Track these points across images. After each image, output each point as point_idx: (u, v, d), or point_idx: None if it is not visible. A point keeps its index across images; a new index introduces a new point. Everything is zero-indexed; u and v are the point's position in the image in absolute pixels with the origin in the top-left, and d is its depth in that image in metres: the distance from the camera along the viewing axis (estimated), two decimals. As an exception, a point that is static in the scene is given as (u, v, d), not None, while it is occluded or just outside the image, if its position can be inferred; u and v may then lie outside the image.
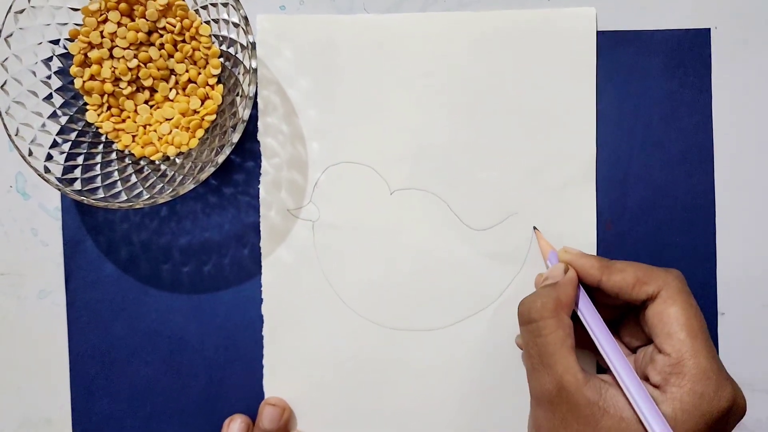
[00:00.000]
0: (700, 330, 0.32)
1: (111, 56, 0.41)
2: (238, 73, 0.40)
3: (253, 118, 0.42)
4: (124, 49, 0.40)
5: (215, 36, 0.41)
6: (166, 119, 0.41)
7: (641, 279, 0.34)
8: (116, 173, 0.41)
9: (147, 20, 0.40)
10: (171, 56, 0.41)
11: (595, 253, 0.42)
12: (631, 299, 0.35)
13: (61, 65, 0.41)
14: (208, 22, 0.41)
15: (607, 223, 0.42)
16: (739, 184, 0.42)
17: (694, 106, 0.42)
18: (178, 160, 0.41)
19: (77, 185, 0.40)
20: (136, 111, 0.41)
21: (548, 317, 0.34)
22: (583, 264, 0.36)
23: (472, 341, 0.42)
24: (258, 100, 0.42)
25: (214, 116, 0.40)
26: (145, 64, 0.41)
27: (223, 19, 0.40)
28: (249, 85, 0.38)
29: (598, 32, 0.42)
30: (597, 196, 0.42)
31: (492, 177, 0.42)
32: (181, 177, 0.40)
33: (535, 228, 0.41)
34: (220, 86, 0.40)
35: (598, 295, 0.37)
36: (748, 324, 0.42)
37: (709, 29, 0.42)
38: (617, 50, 0.42)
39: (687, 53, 0.42)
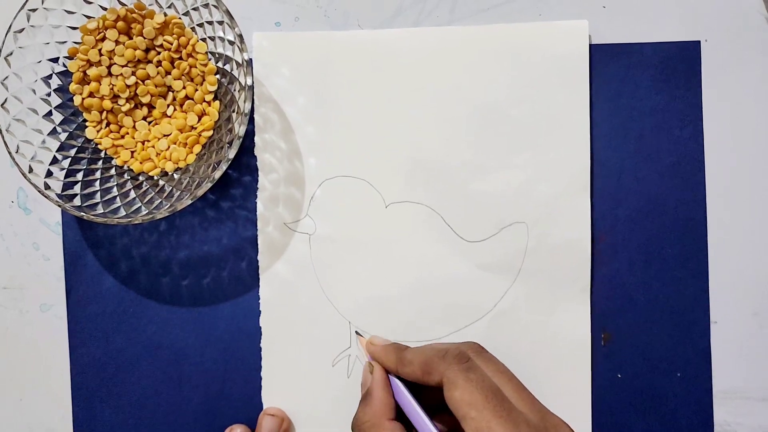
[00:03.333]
0: (487, 400, 0.32)
1: (109, 73, 0.41)
2: (234, 90, 0.41)
3: (250, 133, 0.43)
4: (122, 66, 0.41)
5: (211, 53, 0.41)
6: (164, 135, 0.42)
7: (425, 369, 0.35)
8: (115, 189, 0.42)
9: (144, 38, 0.41)
10: (168, 73, 0.41)
11: (589, 265, 0.42)
12: (430, 386, 0.35)
13: (60, 83, 0.42)
14: (204, 40, 0.41)
15: (600, 236, 0.43)
16: (731, 194, 0.43)
17: (686, 118, 0.43)
18: (176, 176, 0.42)
19: (77, 201, 0.40)
20: (134, 127, 0.42)
21: None
22: (382, 358, 0.38)
23: (467, 351, 0.42)
24: (256, 116, 0.43)
25: (211, 132, 0.41)
26: (143, 81, 0.41)
27: (219, 37, 0.40)
28: (245, 101, 0.39)
29: (590, 45, 0.42)
30: (591, 208, 0.42)
31: (486, 189, 0.43)
32: (179, 192, 0.41)
33: (357, 332, 0.42)
34: (217, 102, 0.41)
35: None
36: (740, 332, 0.42)
37: (699, 42, 0.43)
38: (609, 63, 0.43)
39: (678, 66, 0.43)
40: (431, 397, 0.36)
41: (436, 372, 0.34)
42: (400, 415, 0.36)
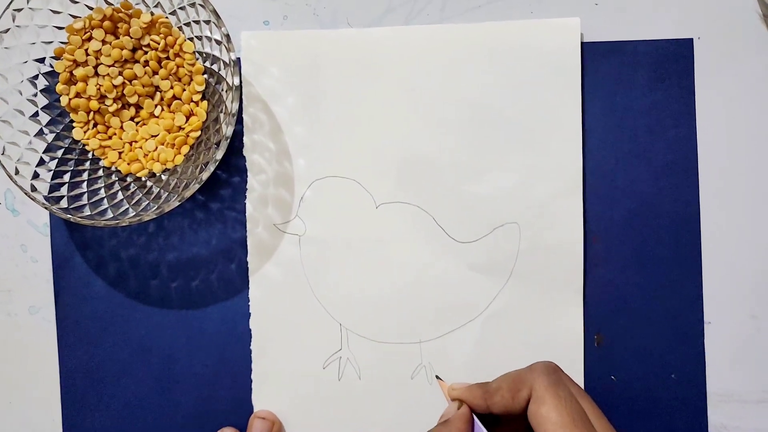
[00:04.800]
0: (574, 423, 0.31)
1: (96, 74, 0.41)
2: (222, 90, 0.40)
3: (238, 134, 0.43)
4: (109, 66, 0.41)
5: (199, 53, 0.41)
6: (152, 136, 0.41)
7: (514, 388, 0.33)
8: (102, 190, 0.41)
9: (131, 38, 0.40)
10: (155, 73, 0.41)
11: (582, 266, 0.42)
12: (519, 412, 0.34)
13: (46, 83, 0.41)
14: (191, 39, 0.41)
15: (593, 237, 0.42)
16: (724, 194, 0.42)
17: (679, 117, 0.42)
18: (163, 177, 0.42)
19: (64, 203, 0.40)
20: (122, 128, 0.42)
21: None
22: (467, 397, 0.36)
23: (459, 353, 0.42)
24: (244, 117, 0.43)
25: (198, 132, 0.41)
26: (130, 81, 0.41)
27: (206, 36, 0.40)
28: (232, 102, 0.38)
29: (582, 43, 0.42)
30: (583, 208, 0.42)
31: (477, 190, 0.42)
32: (167, 194, 0.40)
33: (437, 377, 0.42)
34: (205, 102, 0.41)
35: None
36: (735, 334, 0.42)
37: (692, 39, 0.42)
38: (601, 61, 0.42)
39: (671, 63, 0.42)
40: None
41: (524, 387, 0.33)
42: None
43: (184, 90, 0.41)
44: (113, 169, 0.42)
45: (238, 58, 0.42)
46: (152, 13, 0.41)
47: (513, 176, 0.42)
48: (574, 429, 0.31)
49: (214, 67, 0.41)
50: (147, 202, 0.41)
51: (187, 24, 0.41)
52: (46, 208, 0.39)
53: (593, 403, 0.33)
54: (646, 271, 0.42)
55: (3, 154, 0.39)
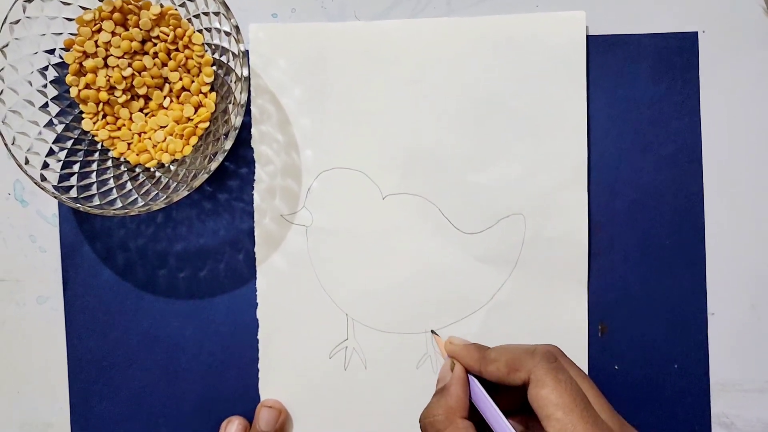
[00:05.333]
0: (575, 403, 0.31)
1: (106, 65, 0.41)
2: (231, 81, 0.41)
3: (246, 125, 0.43)
4: (119, 58, 0.41)
5: (208, 44, 0.41)
6: (161, 127, 0.42)
7: (512, 366, 0.34)
8: (112, 180, 0.42)
9: (141, 29, 0.41)
10: (165, 65, 0.41)
11: (586, 256, 0.42)
12: (512, 386, 0.34)
13: (56, 74, 0.42)
14: (200, 31, 0.41)
15: (597, 228, 0.42)
16: (728, 186, 0.42)
17: (683, 109, 0.42)
18: (172, 168, 0.42)
19: (73, 193, 0.40)
20: (131, 119, 0.42)
21: (444, 429, 0.34)
22: (463, 357, 0.37)
23: (464, 343, 0.42)
24: (252, 108, 0.43)
25: (207, 123, 0.41)
26: (139, 73, 0.41)
27: (215, 28, 0.40)
28: (241, 93, 0.38)
29: (587, 36, 0.42)
30: (588, 200, 0.42)
31: (483, 181, 0.42)
32: (175, 184, 0.41)
33: (433, 331, 0.42)
34: (213, 94, 0.41)
35: None
36: (738, 324, 0.42)
37: (696, 33, 0.42)
38: (606, 54, 0.43)
39: (675, 57, 0.42)
40: (504, 402, 0.35)
41: (523, 369, 0.33)
42: (471, 416, 0.35)
43: (193, 81, 0.41)
44: (122, 159, 0.42)
45: (247, 50, 0.43)
46: (161, 5, 0.41)
47: (518, 167, 0.42)
48: (574, 409, 0.31)
49: (223, 58, 0.41)
50: (156, 192, 0.41)
51: (196, 16, 0.41)
52: (55, 197, 0.39)
53: (594, 385, 0.34)
54: (649, 261, 0.42)
55: (13, 144, 0.39)
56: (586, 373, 0.42)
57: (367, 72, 0.43)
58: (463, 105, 0.43)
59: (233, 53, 0.40)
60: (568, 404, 0.31)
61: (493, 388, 0.36)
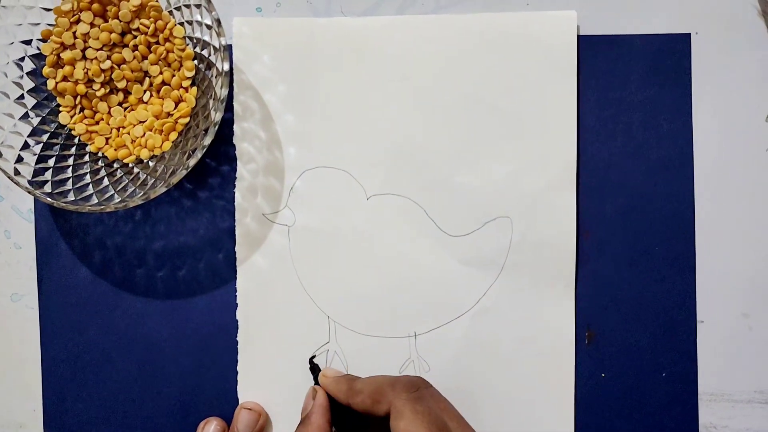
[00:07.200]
0: None
1: (84, 57, 0.40)
2: (212, 76, 0.39)
3: (228, 122, 0.42)
4: (97, 50, 0.40)
5: (189, 38, 0.40)
6: (140, 122, 0.40)
7: (375, 398, 0.35)
8: (88, 176, 0.41)
9: (120, 21, 0.40)
10: (145, 58, 0.40)
11: (574, 261, 0.41)
12: (379, 416, 0.35)
13: (33, 66, 0.40)
14: (182, 24, 0.40)
15: (585, 232, 0.42)
16: (719, 191, 0.42)
17: (675, 112, 0.42)
18: (150, 163, 0.41)
19: (47, 188, 0.39)
20: (109, 113, 0.41)
21: None
22: (332, 389, 0.38)
23: (449, 348, 0.42)
24: (235, 104, 0.42)
25: (188, 119, 0.40)
26: (118, 66, 0.40)
27: (197, 21, 0.39)
28: (221, 87, 0.37)
29: (578, 36, 0.41)
30: (576, 203, 0.41)
31: (470, 182, 0.42)
32: (153, 180, 0.40)
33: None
34: (194, 89, 0.40)
35: None
36: (727, 332, 0.42)
37: (689, 34, 0.42)
38: (598, 55, 0.42)
39: (668, 58, 0.42)
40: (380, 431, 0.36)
41: (384, 401, 0.34)
42: None
43: (174, 75, 0.40)
44: (100, 154, 0.41)
45: (229, 45, 0.42)
46: (142, -3, 0.40)
47: (506, 169, 0.41)
48: None
49: (204, 52, 0.40)
50: (133, 188, 0.40)
51: (178, 8, 0.40)
52: (29, 192, 0.38)
53: (458, 415, 0.34)
54: (638, 267, 0.41)
55: (-13, 136, 0.38)
56: (572, 382, 0.41)
57: (353, 69, 0.42)
58: (451, 104, 0.42)
59: (214, 47, 0.39)
60: None
61: (367, 418, 0.36)
